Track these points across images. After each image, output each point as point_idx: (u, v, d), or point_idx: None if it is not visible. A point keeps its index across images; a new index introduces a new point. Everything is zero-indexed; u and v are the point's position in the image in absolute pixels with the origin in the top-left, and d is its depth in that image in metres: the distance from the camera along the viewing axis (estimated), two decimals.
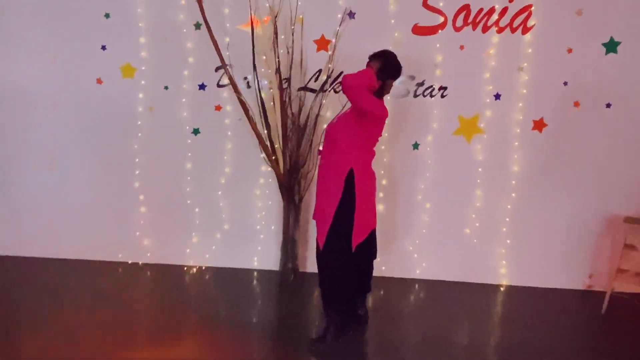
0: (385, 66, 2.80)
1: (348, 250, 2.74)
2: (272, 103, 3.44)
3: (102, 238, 3.82)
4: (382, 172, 3.66)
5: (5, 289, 3.37)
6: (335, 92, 3.54)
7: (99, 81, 3.62)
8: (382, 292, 3.63)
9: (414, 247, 3.77)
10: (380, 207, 3.71)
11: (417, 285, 3.73)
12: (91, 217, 3.80)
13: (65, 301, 3.23)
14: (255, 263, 3.85)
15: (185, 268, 3.82)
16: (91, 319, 3.03)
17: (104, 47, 3.57)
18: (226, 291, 3.50)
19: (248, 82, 3.57)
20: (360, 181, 2.72)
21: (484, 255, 3.74)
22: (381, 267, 3.77)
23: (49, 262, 3.80)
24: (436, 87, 3.53)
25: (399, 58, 3.46)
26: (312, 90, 3.52)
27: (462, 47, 3.47)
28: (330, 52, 3.48)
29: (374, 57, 2.84)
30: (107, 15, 3.50)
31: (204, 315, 3.14)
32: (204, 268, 3.84)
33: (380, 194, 3.69)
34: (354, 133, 2.71)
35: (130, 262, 3.86)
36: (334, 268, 2.80)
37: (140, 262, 3.86)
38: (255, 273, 3.80)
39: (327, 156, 2.80)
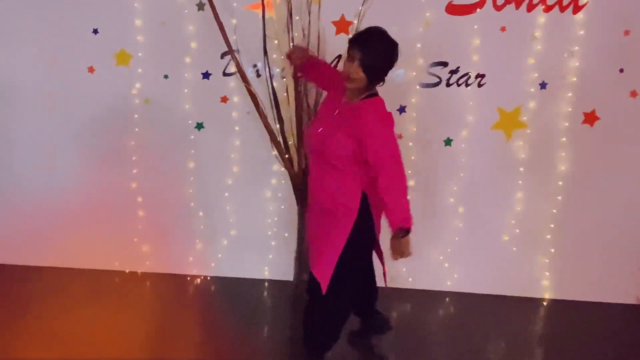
0: (381, 59, 2.23)
1: (354, 292, 2.48)
2: (285, 94, 3.06)
3: (97, 244, 3.48)
4: (410, 171, 3.23)
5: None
6: None
7: (91, 70, 3.25)
8: (408, 306, 3.30)
9: (444, 256, 3.38)
10: None
11: (447, 299, 3.37)
12: (83, 221, 3.45)
13: (56, 313, 2.95)
14: (266, 273, 3.49)
15: (189, 278, 3.49)
16: (85, 332, 2.78)
17: (95, 31, 3.19)
18: (234, 304, 3.20)
19: (258, 70, 3.18)
20: (374, 203, 2.32)
21: (524, 266, 3.35)
22: (408, 279, 3.40)
23: (36, 270, 3.47)
24: (472, 75, 3.12)
25: (430, 41, 3.11)
26: None
27: (503, 29, 3.05)
28: (350, 36, 3.07)
29: (364, 44, 2.21)
30: None
31: (209, 330, 2.90)
32: (208, 278, 3.50)
33: (407, 197, 3.29)
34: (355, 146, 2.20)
35: (127, 270, 3.54)
36: (335, 314, 2.46)
37: (139, 271, 3.53)
38: (266, 284, 3.46)
39: (320, 178, 2.33)
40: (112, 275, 3.47)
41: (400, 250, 2.24)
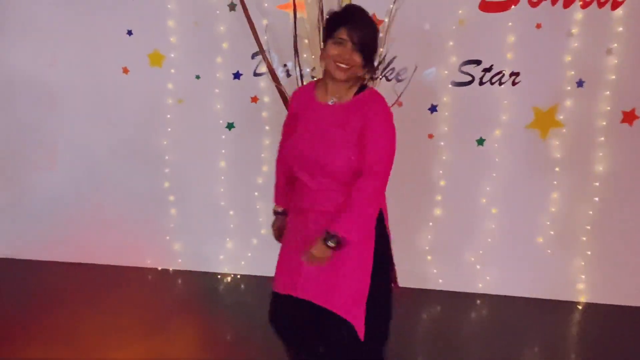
0: (374, 38, 1.87)
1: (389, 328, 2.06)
2: None
3: (129, 242, 3.53)
4: (441, 171, 3.21)
5: (28, 293, 3.17)
6: (388, 80, 3.11)
7: (125, 70, 3.30)
8: (439, 308, 3.24)
9: (476, 257, 3.31)
10: (437, 212, 3.27)
11: (479, 301, 3.29)
12: (117, 219, 3.51)
13: (89, 309, 2.99)
14: None
15: (219, 276, 3.51)
16: (117, 328, 2.81)
17: (129, 33, 3.24)
18: (263, 302, 3.15)
19: (288, 70, 3.18)
20: (387, 221, 2.06)
21: (559, 268, 3.25)
22: (438, 280, 3.34)
23: (71, 266, 3.54)
24: (507, 72, 3.05)
25: (463, 39, 3.02)
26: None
27: (538, 26, 2.97)
28: (382, 34, 3.03)
29: (353, 23, 1.82)
30: None
31: (238, 328, 2.87)
32: (239, 276, 3.51)
33: (437, 197, 3.25)
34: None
35: (159, 268, 3.58)
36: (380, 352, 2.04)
37: (170, 269, 3.57)
38: None
39: (323, 197, 1.89)
40: (145, 272, 3.52)
41: (319, 257, 1.82)
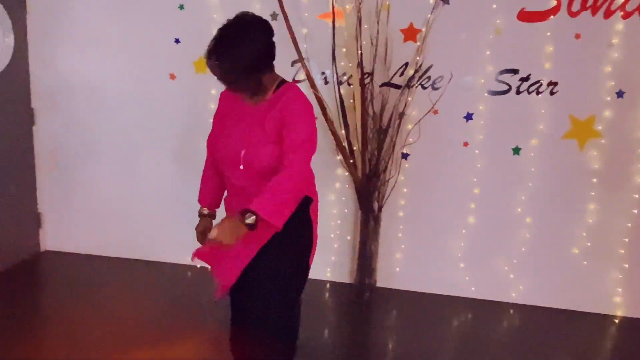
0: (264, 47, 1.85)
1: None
2: (351, 100, 3.12)
3: (173, 240, 3.65)
4: (475, 179, 3.22)
5: (82, 285, 3.33)
6: (424, 88, 3.15)
7: (172, 76, 3.47)
8: (470, 316, 3.23)
9: (510, 266, 3.29)
10: (471, 219, 3.28)
11: (512, 311, 3.27)
12: (162, 218, 3.67)
13: (139, 303, 3.13)
14: (328, 274, 3.55)
15: None
16: (164, 324, 2.91)
17: (177, 41, 3.40)
18: None
19: (326, 78, 3.27)
20: (315, 212, 2.05)
21: (595, 281, 3.20)
22: (471, 288, 3.34)
23: (114, 261, 3.73)
24: (544, 82, 3.04)
25: (500, 48, 3.03)
26: (397, 87, 3.15)
27: (578, 36, 2.96)
28: (419, 43, 3.09)
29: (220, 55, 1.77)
30: (181, 7, 3.33)
31: None
32: None
33: (471, 205, 3.26)
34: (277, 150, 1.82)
35: (199, 265, 3.71)
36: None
37: (209, 267, 3.69)
38: (328, 285, 3.52)
39: (248, 190, 1.85)
40: (186, 269, 3.64)
41: (229, 233, 1.69)
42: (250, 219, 1.69)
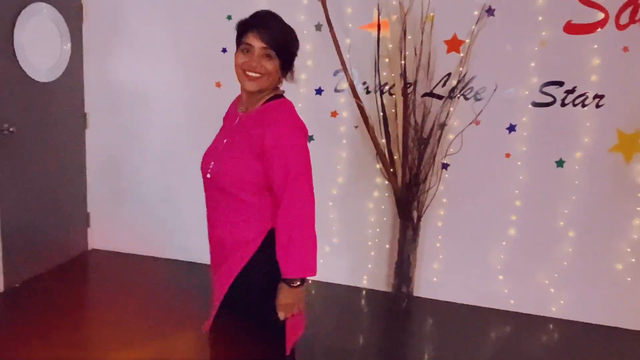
0: (291, 39, 1.71)
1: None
2: (393, 110, 3.15)
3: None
4: (517, 191, 3.20)
5: (125, 283, 3.45)
6: (466, 99, 3.16)
7: (218, 85, 3.58)
8: (508, 329, 3.19)
9: (551, 280, 3.25)
10: (511, 231, 3.25)
11: (551, 325, 3.22)
12: (200, 221, 3.75)
13: (180, 302, 3.21)
14: (365, 282, 3.57)
15: None
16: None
17: (224, 50, 3.52)
18: (331, 310, 3.30)
19: (367, 87, 3.31)
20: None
21: (638, 297, 3.13)
22: (510, 301, 3.31)
23: (157, 261, 3.84)
24: (590, 95, 3.00)
25: (545, 60, 3.01)
26: (439, 97, 3.17)
27: (625, 49, 2.91)
28: (462, 54, 3.10)
29: (264, 25, 1.65)
30: (229, 17, 3.44)
31: (305, 335, 2.95)
32: (310, 282, 3.65)
33: (513, 217, 3.24)
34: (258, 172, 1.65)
35: None
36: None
37: None
38: (364, 292, 3.54)
39: (217, 210, 1.77)
40: None
41: (291, 302, 1.66)
42: (296, 284, 1.65)
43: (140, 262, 3.82)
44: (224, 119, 1.90)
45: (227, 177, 1.68)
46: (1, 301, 3.11)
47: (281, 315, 1.67)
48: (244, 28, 1.67)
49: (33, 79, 3.21)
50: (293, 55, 1.71)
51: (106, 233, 3.94)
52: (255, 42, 1.63)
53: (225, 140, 1.74)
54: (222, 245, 1.75)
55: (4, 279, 3.14)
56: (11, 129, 3.03)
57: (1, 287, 3.14)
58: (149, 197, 3.85)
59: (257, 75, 1.65)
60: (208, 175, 1.74)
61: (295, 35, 1.71)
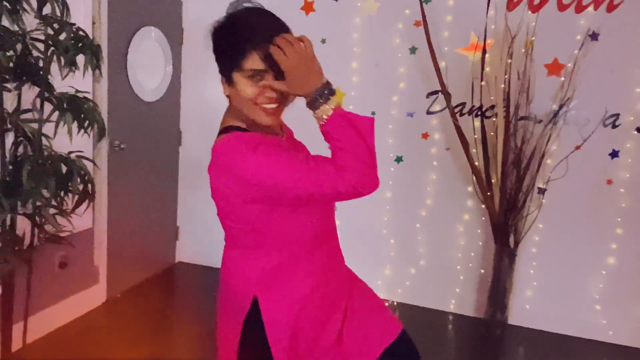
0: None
1: None
2: (492, 133, 3.14)
3: None
4: (619, 219, 3.11)
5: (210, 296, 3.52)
6: (567, 123, 3.11)
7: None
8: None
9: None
10: (611, 260, 3.16)
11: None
12: None
13: None
14: (452, 306, 3.53)
15: None
16: None
17: None
18: (420, 334, 3.23)
19: (462, 110, 3.32)
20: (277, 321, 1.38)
21: None
22: (608, 332, 3.20)
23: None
24: None
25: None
26: (539, 121, 3.14)
27: None
28: (563, 78, 3.07)
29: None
30: (323, 41, 3.52)
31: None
32: (395, 303, 3.63)
33: (612, 245, 3.14)
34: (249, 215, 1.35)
35: None
36: None
37: None
38: (451, 317, 3.49)
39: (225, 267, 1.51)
40: None
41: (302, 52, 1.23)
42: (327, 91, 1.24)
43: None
44: (278, 144, 1.42)
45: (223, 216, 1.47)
46: (104, 311, 3.24)
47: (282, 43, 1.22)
48: (242, 44, 1.28)
49: (141, 99, 3.38)
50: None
51: (193, 246, 4.06)
52: (266, 66, 1.28)
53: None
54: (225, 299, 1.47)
55: (107, 289, 3.28)
56: (122, 146, 3.18)
57: (104, 297, 3.28)
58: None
59: (277, 105, 1.35)
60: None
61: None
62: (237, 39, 1.27)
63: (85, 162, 2.17)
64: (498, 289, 3.18)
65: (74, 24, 2.08)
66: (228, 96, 1.40)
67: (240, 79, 1.29)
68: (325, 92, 1.24)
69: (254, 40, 1.25)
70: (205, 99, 3.88)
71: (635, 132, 3.03)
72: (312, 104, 1.25)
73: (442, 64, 3.25)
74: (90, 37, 2.30)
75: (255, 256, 1.39)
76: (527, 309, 3.33)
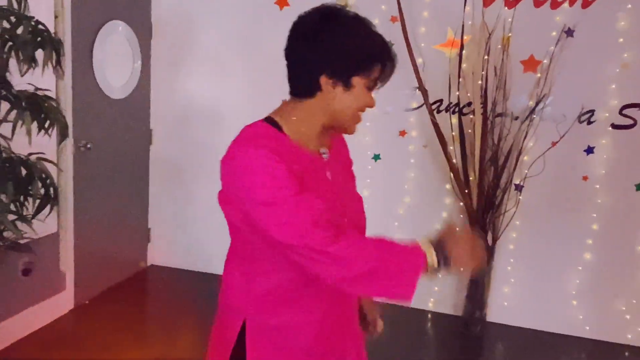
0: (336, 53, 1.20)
1: None
2: (469, 130, 3.11)
3: None
4: (594, 215, 3.13)
5: (184, 300, 3.42)
6: (542, 120, 3.11)
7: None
8: (583, 356, 3.12)
9: (628, 307, 3.15)
10: (587, 256, 3.18)
11: (627, 353, 3.13)
12: None
13: None
14: (430, 305, 3.50)
15: None
16: None
17: None
18: (400, 333, 3.22)
19: (439, 107, 3.28)
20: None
21: None
22: (585, 327, 3.22)
23: (215, 278, 3.79)
24: None
25: (626, 82, 2.95)
26: (515, 118, 3.13)
27: None
28: (539, 75, 3.07)
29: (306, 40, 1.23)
30: None
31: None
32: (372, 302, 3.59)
33: (589, 240, 3.16)
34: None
35: None
36: None
37: None
38: (429, 315, 3.47)
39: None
40: None
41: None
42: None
43: (198, 279, 3.79)
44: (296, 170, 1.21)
45: (364, 216, 1.47)
46: (72, 318, 3.09)
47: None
48: (381, 55, 1.24)
49: (108, 96, 3.24)
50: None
51: (165, 249, 3.93)
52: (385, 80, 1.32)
53: (333, 182, 1.33)
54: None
55: (75, 295, 3.14)
56: (88, 146, 3.04)
57: (72, 304, 3.13)
58: (211, 215, 3.81)
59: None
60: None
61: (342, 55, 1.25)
62: (375, 46, 1.23)
63: (48, 164, 2.05)
64: (476, 286, 3.17)
65: (33, 17, 1.95)
66: (309, 96, 1.26)
67: (360, 84, 1.24)
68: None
69: (386, 53, 1.24)
70: (177, 95, 3.75)
71: (610, 129, 3.05)
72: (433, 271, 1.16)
73: (419, 61, 3.22)
74: (52, 31, 2.17)
75: (253, 271, 1.27)
76: (505, 305, 3.33)
